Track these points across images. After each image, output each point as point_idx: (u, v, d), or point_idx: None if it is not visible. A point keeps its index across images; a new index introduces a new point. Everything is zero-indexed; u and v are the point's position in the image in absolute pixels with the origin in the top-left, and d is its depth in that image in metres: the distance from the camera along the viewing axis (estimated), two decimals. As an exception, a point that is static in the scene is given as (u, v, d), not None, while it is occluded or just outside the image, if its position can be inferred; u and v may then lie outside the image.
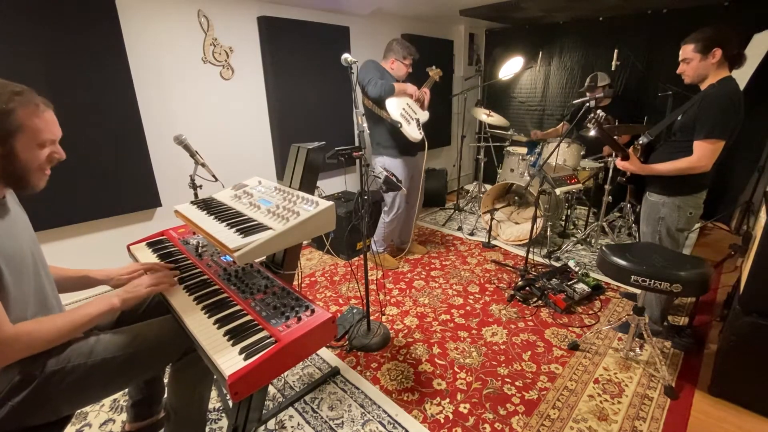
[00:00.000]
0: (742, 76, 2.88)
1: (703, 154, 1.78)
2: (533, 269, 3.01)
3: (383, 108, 2.67)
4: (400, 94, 2.72)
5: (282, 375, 1.99)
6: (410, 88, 2.77)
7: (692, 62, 1.81)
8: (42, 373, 1.07)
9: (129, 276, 1.36)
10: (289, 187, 1.53)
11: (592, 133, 2.76)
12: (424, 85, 2.90)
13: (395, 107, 2.68)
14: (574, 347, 2.15)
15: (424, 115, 2.88)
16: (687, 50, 1.83)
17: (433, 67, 3.07)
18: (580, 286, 2.62)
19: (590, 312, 2.51)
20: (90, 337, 1.19)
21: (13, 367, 1.04)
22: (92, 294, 2.49)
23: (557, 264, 3.10)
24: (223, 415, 1.76)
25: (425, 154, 2.88)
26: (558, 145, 2.86)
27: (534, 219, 2.82)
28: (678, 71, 1.90)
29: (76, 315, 1.07)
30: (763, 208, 2.01)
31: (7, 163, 1.00)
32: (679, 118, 1.91)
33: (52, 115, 1.06)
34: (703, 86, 1.84)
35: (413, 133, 2.71)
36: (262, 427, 1.70)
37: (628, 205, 3.54)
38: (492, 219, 3.55)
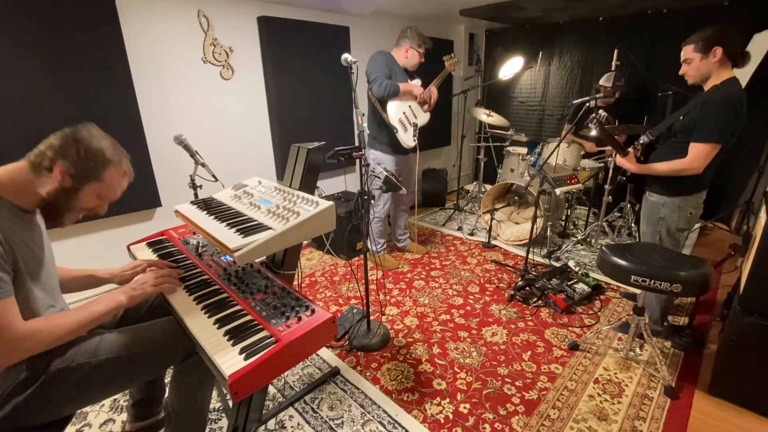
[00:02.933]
0: (743, 75, 2.87)
1: (697, 156, 1.78)
2: (533, 269, 3.01)
3: (384, 109, 2.67)
4: (405, 95, 2.71)
5: (282, 375, 1.99)
6: (416, 89, 2.74)
7: (693, 62, 1.81)
8: (46, 373, 1.07)
9: (133, 272, 1.39)
10: (289, 187, 1.53)
11: (594, 132, 2.75)
12: (435, 81, 2.86)
13: (395, 111, 2.68)
14: (574, 347, 2.15)
15: (424, 118, 2.87)
16: (688, 50, 1.82)
17: (452, 55, 2.96)
18: (580, 286, 2.62)
19: (590, 312, 2.51)
20: (94, 337, 1.19)
21: (17, 366, 1.04)
22: (97, 293, 2.50)
23: (557, 264, 3.10)
24: (223, 415, 1.76)
25: (417, 155, 2.92)
26: (558, 145, 2.86)
27: (534, 219, 2.82)
28: (680, 72, 1.89)
29: (84, 313, 1.09)
30: (763, 208, 2.01)
31: (65, 197, 1.07)
32: (680, 119, 1.91)
33: (126, 181, 1.19)
34: (707, 86, 1.83)
35: (407, 140, 2.74)
36: (262, 427, 1.70)
37: (628, 205, 3.54)
38: (492, 219, 3.55)
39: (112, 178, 1.13)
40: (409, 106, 2.77)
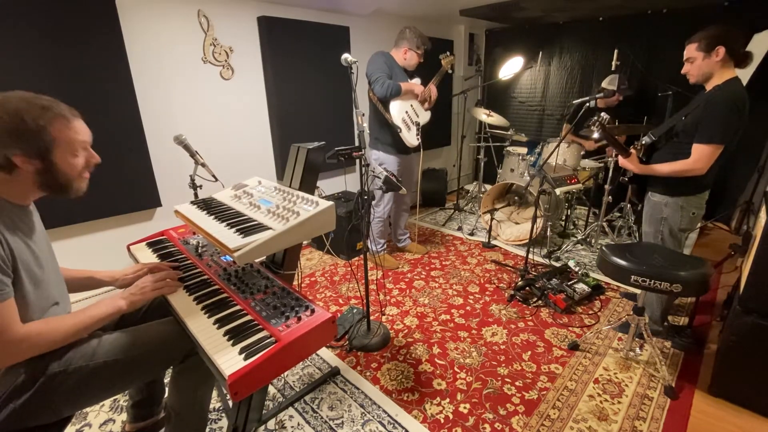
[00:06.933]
0: (743, 75, 2.87)
1: (700, 157, 1.78)
2: (533, 269, 3.01)
3: (387, 109, 2.67)
4: (406, 94, 2.71)
5: (282, 375, 1.99)
6: (417, 87, 2.74)
7: (696, 61, 1.81)
8: (44, 375, 1.07)
9: (134, 276, 1.38)
10: (289, 187, 1.53)
11: (596, 135, 2.76)
12: (433, 79, 2.86)
13: (398, 110, 2.68)
14: (574, 347, 2.15)
15: (425, 117, 2.87)
16: (691, 49, 1.82)
17: (447, 53, 2.96)
18: (580, 286, 2.61)
19: (590, 312, 2.51)
20: (92, 339, 1.19)
21: (15, 370, 1.04)
22: (96, 294, 2.50)
23: (557, 264, 3.10)
24: (223, 415, 1.76)
25: (421, 155, 2.91)
26: (558, 145, 2.85)
27: (534, 219, 2.82)
28: (683, 71, 1.89)
29: (83, 317, 1.09)
30: (763, 208, 2.01)
31: (50, 176, 1.05)
32: (682, 119, 1.91)
33: (80, 122, 1.10)
34: (708, 86, 1.83)
35: (411, 139, 2.74)
36: (262, 427, 1.70)
37: (629, 205, 3.54)
38: (492, 219, 3.55)
39: (62, 132, 1.03)
40: (411, 105, 2.77)
